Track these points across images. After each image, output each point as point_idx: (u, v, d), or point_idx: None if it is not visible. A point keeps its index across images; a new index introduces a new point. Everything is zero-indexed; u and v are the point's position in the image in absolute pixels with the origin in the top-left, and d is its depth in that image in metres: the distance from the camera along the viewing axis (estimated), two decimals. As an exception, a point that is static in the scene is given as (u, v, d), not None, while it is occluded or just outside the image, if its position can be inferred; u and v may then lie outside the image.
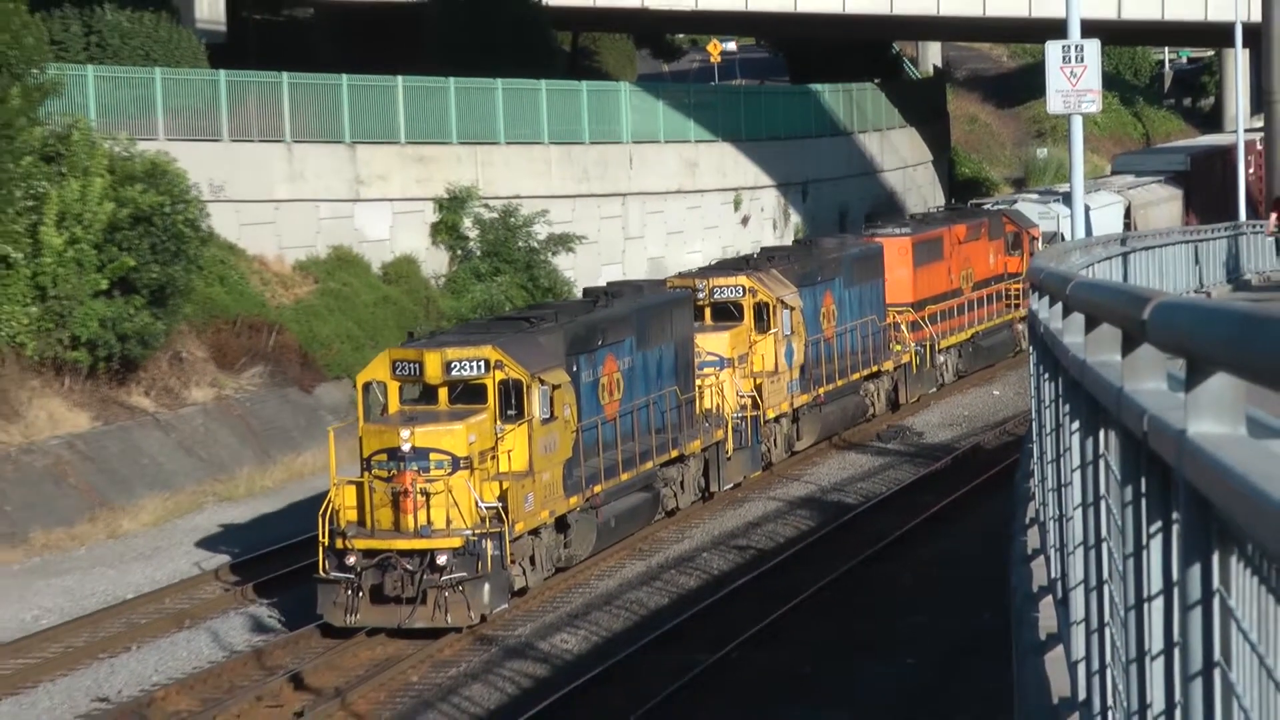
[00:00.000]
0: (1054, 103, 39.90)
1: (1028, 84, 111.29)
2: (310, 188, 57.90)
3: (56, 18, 55.45)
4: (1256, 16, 61.25)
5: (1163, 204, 76.76)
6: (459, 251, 61.47)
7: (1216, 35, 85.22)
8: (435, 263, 60.81)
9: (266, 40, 74.45)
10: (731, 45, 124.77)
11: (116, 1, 62.27)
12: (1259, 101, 64.27)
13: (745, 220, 74.28)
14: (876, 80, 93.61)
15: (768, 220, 75.82)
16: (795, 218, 77.49)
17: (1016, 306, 61.20)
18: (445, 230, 61.38)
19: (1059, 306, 11.62)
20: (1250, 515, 4.16)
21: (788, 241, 68.36)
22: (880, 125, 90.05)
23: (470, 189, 61.77)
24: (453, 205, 61.42)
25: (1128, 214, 68.66)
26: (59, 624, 33.50)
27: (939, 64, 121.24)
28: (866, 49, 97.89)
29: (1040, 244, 62.57)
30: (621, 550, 38.63)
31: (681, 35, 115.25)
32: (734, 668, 31.17)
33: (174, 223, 45.31)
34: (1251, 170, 70.70)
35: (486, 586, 30.13)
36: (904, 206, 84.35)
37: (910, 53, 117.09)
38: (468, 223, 61.48)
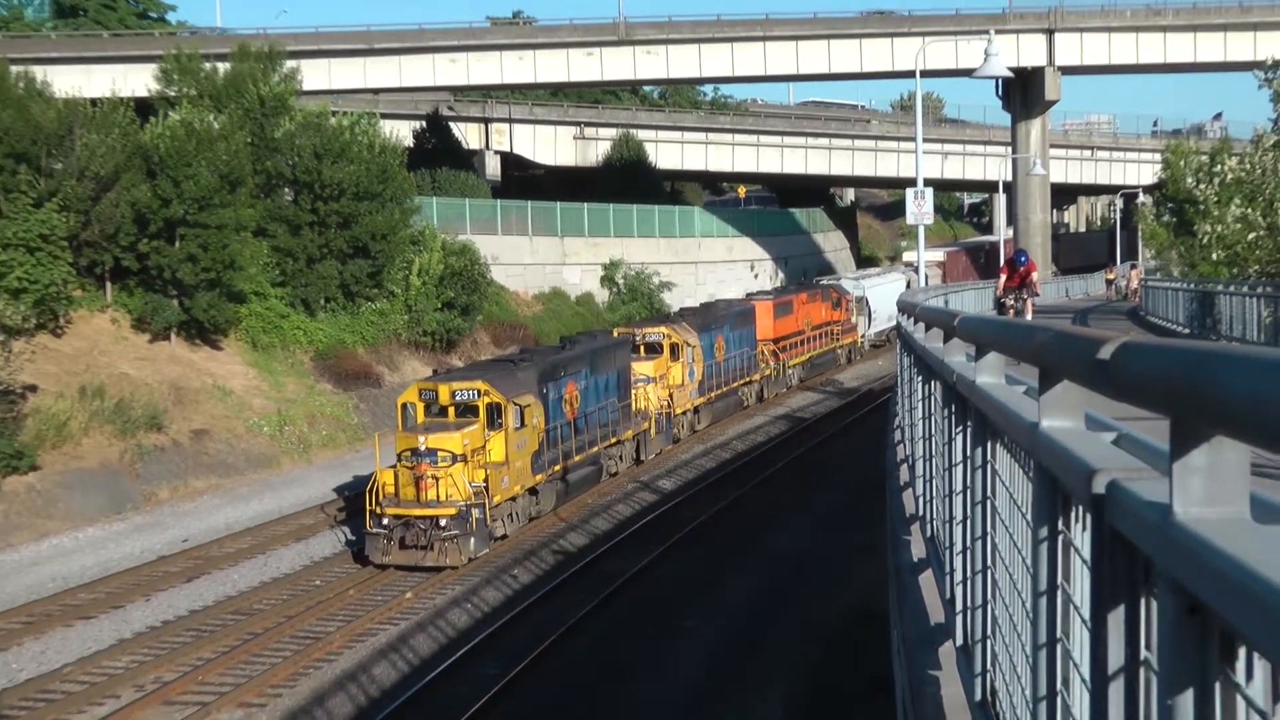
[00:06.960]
0: (910, 218, 39.20)
1: (897, 209, 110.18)
2: (540, 258, 58.04)
3: (417, 173, 55.83)
4: (1009, 177, 61.22)
5: (930, 279, 72.73)
6: (613, 290, 61.51)
7: (990, 186, 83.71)
8: (601, 296, 60.85)
9: (520, 184, 74.64)
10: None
11: (446, 165, 62.75)
12: (1011, 217, 63.41)
13: (756, 276, 73.83)
14: (821, 205, 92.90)
15: (767, 277, 75.27)
16: (781, 275, 76.90)
17: (838, 340, 55.28)
18: (607, 280, 61.40)
19: (912, 319, 11.55)
20: (1003, 421, 4.16)
21: (778, 284, 67.49)
22: (823, 229, 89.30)
23: (619, 260, 61.78)
24: (610, 268, 61.44)
25: (908, 284, 60.24)
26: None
27: (853, 198, 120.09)
28: (817, 189, 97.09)
29: (854, 304, 57.53)
30: (693, 440, 38.29)
31: (725, 183, 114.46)
32: (746, 501, 31.17)
33: (473, 275, 45.61)
34: (1001, 256, 68.29)
35: (472, 539, 25.16)
36: (834, 269, 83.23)
37: (839, 192, 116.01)
38: (618, 277, 61.54)
